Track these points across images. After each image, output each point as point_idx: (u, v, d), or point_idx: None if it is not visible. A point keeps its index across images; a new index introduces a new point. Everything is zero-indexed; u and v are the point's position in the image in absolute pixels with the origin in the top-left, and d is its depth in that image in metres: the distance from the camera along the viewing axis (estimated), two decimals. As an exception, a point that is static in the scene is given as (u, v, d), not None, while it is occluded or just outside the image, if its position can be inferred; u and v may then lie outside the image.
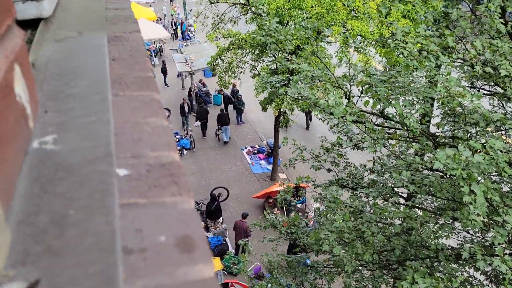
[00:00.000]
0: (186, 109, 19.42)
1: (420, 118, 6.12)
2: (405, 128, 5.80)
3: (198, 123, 19.61)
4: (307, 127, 19.86)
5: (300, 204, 14.67)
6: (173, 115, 20.70)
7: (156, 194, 0.89)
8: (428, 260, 5.45)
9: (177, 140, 18.45)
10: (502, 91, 5.31)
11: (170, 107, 21.05)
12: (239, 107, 20.10)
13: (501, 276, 6.36)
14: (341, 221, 6.04)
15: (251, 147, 18.78)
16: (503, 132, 5.77)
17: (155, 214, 0.84)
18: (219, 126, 18.89)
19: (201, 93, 21.62)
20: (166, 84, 24.35)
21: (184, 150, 18.24)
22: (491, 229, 4.47)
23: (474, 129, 5.28)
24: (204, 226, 14.01)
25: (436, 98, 5.59)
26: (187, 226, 0.83)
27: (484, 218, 4.13)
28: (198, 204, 14.76)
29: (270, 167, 17.04)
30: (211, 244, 13.23)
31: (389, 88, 5.54)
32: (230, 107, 20.63)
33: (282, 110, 14.60)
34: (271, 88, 9.26)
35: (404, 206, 6.36)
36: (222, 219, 14.24)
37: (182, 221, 0.84)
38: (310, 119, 19.81)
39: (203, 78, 23.21)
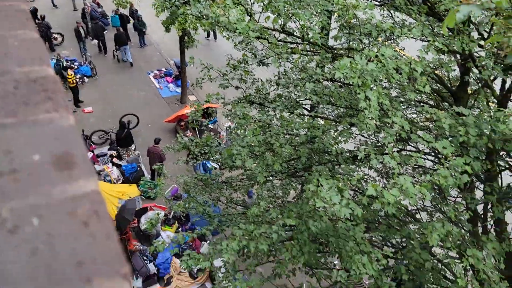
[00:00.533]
0: (82, 33, 17.76)
1: (319, 31, 6.28)
2: (306, 42, 5.94)
3: (95, 41, 18.19)
4: (214, 39, 19.65)
5: (212, 125, 14.81)
6: (67, 41, 18.84)
7: (27, 112, 0.82)
8: (329, 164, 5.95)
9: (76, 67, 17.06)
10: (391, 0, 5.59)
11: (62, 32, 19.06)
12: (140, 29, 18.84)
13: (390, 172, 7.20)
14: (251, 136, 6.24)
15: (158, 70, 18.05)
16: (392, 41, 6.18)
17: (27, 133, 0.79)
18: (117, 47, 17.76)
19: (96, 15, 19.75)
20: (54, 5, 21.79)
21: (85, 77, 16.99)
22: (382, 131, 4.94)
23: (368, 39, 5.57)
24: (117, 155, 13.66)
25: (332, 11, 5.72)
26: (65, 143, 0.79)
27: (376, 121, 4.52)
28: (107, 133, 14.24)
29: (179, 90, 16.68)
30: (126, 172, 13.05)
31: (288, 3, 5.53)
32: (131, 29, 19.27)
33: (186, 29, 13.99)
34: (171, 7, 8.73)
35: (308, 116, 6.72)
36: (135, 146, 13.98)
37: (60, 138, 0.80)
38: (215, 37, 19.45)
39: (96, -4, 21.09)
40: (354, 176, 4.97)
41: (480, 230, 5.90)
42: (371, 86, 4.41)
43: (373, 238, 6.35)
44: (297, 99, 6.76)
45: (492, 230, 5.91)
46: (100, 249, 0.64)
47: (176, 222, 11.66)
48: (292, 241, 5.83)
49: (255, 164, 6.42)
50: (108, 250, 0.64)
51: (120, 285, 0.61)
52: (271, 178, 7.30)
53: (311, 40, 5.21)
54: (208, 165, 12.59)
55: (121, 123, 13.56)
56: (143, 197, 12.61)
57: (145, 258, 10.48)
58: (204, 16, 6.24)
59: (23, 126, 0.80)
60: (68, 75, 14.90)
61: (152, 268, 10.40)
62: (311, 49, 6.48)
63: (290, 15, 5.77)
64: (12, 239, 0.62)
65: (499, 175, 5.75)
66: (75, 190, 0.71)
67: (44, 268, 0.60)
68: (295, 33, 6.10)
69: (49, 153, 0.76)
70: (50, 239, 0.64)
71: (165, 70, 18.01)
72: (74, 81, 15.13)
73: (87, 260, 0.63)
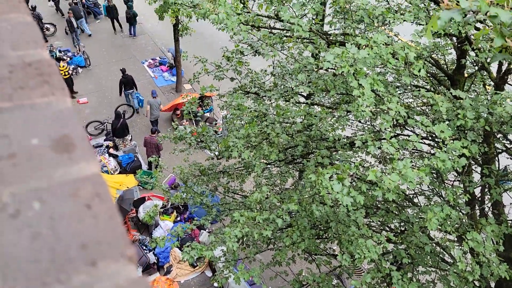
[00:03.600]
0: (74, 24, 17.55)
1: (313, 17, 6.22)
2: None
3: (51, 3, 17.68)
4: None
5: (208, 113, 14.76)
6: (60, 31, 18.62)
7: (23, 96, 0.80)
8: (327, 150, 5.94)
9: (70, 58, 16.90)
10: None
11: (54, 22, 18.84)
12: (132, 17, 18.50)
13: (388, 157, 7.21)
14: (247, 128, 6.21)
15: (152, 59, 17.90)
16: (387, 26, 6.13)
17: (24, 117, 0.77)
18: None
19: (88, 4, 19.50)
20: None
21: (79, 68, 16.84)
22: (379, 117, 4.92)
23: (363, 25, 5.51)
24: (113, 145, 13.61)
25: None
26: (64, 126, 0.78)
27: (372, 109, 4.50)
28: (103, 124, 14.17)
29: (174, 78, 16.58)
30: (123, 162, 13.03)
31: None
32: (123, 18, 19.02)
33: (179, 17, 13.85)
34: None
35: (304, 104, 6.68)
36: (131, 136, 13.92)
37: (57, 121, 0.78)
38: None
39: (87, -14, 20.78)
40: (354, 163, 4.96)
41: (478, 213, 5.93)
42: (366, 73, 4.37)
43: (372, 223, 6.38)
44: (293, 88, 6.73)
45: (489, 213, 5.95)
46: (104, 230, 0.62)
47: (175, 211, 11.69)
48: (292, 228, 5.85)
49: (252, 155, 6.40)
50: (112, 232, 0.63)
51: (126, 267, 0.60)
52: (268, 166, 7.29)
53: (298, 32, 5.13)
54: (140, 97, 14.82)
55: (117, 113, 13.50)
56: (141, 187, 12.60)
57: (144, 247, 10.51)
58: (196, 6, 6.18)
59: (19, 110, 0.78)
60: (60, 67, 14.76)
61: (151, 257, 10.44)
62: (306, 36, 6.41)
63: (283, 1, 5.71)
64: (14, 223, 0.60)
65: (496, 158, 5.77)
66: (76, 173, 0.70)
67: (48, 251, 0.59)
68: (289, 21, 6.05)
69: (47, 137, 0.74)
70: (53, 222, 0.62)
71: (159, 59, 17.87)
72: (67, 72, 15.00)
73: (91, 242, 0.61)
